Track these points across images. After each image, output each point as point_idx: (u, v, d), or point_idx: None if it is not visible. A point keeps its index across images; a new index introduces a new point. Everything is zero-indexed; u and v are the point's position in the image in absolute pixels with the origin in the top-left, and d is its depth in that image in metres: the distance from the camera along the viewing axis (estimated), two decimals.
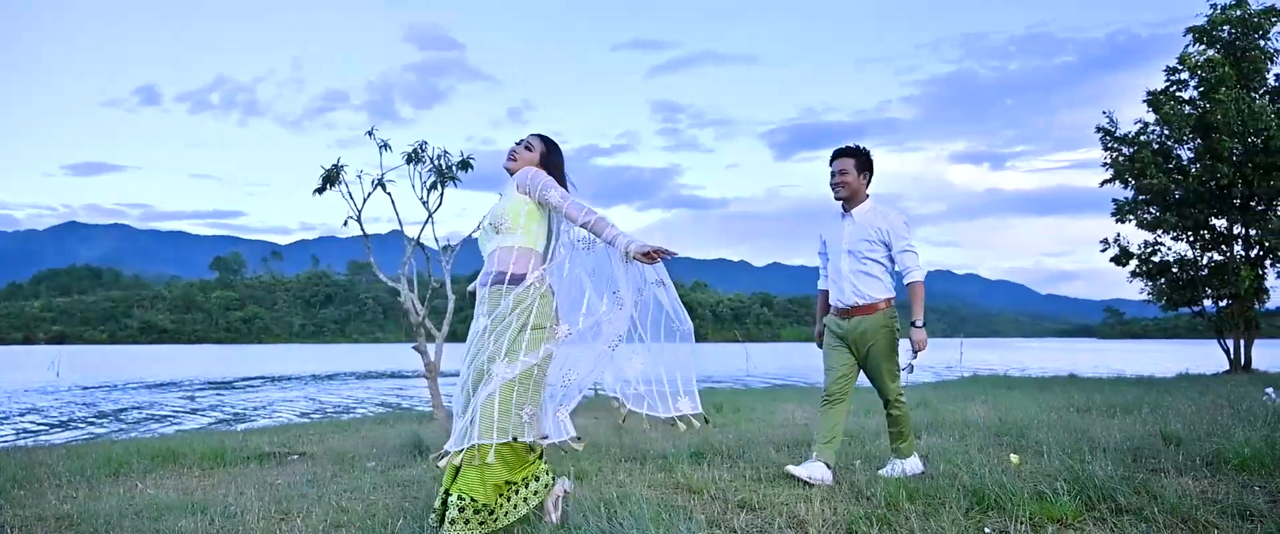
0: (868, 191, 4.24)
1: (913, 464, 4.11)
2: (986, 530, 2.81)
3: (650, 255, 2.95)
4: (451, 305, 11.33)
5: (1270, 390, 8.41)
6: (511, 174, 3.21)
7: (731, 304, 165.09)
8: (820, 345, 4.46)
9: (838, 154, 4.25)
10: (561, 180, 3.21)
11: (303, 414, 14.37)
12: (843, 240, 4.19)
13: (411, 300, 11.14)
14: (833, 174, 4.22)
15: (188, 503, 3.92)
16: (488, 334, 2.99)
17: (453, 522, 2.81)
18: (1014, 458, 4.06)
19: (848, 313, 4.14)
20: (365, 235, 11.55)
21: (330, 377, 28.19)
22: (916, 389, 12.41)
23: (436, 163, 11.04)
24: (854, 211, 4.19)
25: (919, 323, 4.02)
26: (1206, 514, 2.84)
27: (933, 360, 37.50)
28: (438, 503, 2.93)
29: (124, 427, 12.32)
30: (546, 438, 3.09)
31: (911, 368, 4.07)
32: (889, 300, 4.13)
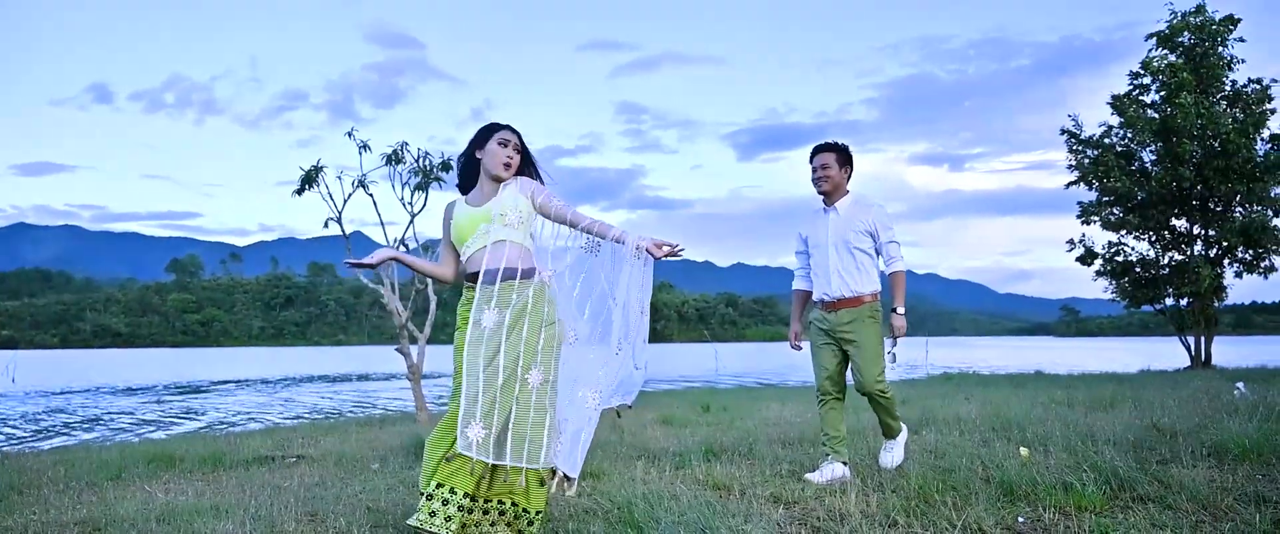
0: (848, 186, 4.29)
1: (837, 471, 4.05)
2: (1021, 519, 2.91)
3: (660, 246, 2.96)
4: (433, 307, 11.28)
5: (1240, 385, 8.73)
6: (507, 170, 3.10)
7: (697, 304, 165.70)
8: (795, 345, 4.51)
9: (819, 149, 4.30)
10: (538, 176, 3.19)
11: (284, 417, 14.19)
12: (829, 235, 4.21)
13: (394, 303, 11.07)
14: (815, 169, 4.26)
15: (209, 506, 3.89)
16: (505, 329, 2.90)
17: (449, 518, 2.79)
18: (1023, 452, 4.19)
19: (834, 306, 4.17)
20: (345, 236, 11.47)
21: (303, 379, 27.82)
22: (893, 386, 12.64)
23: (421, 163, 11.00)
24: (837, 206, 4.23)
25: (900, 310, 4.10)
26: (1226, 501, 2.98)
27: (900, 358, 37.84)
28: (433, 494, 2.84)
29: (106, 433, 12.08)
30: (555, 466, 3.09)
31: (893, 356, 4.14)
32: (875, 293, 4.17)
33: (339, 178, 11.35)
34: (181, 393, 21.72)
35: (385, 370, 33.61)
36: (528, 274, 2.97)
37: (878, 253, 4.20)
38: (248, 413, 15.58)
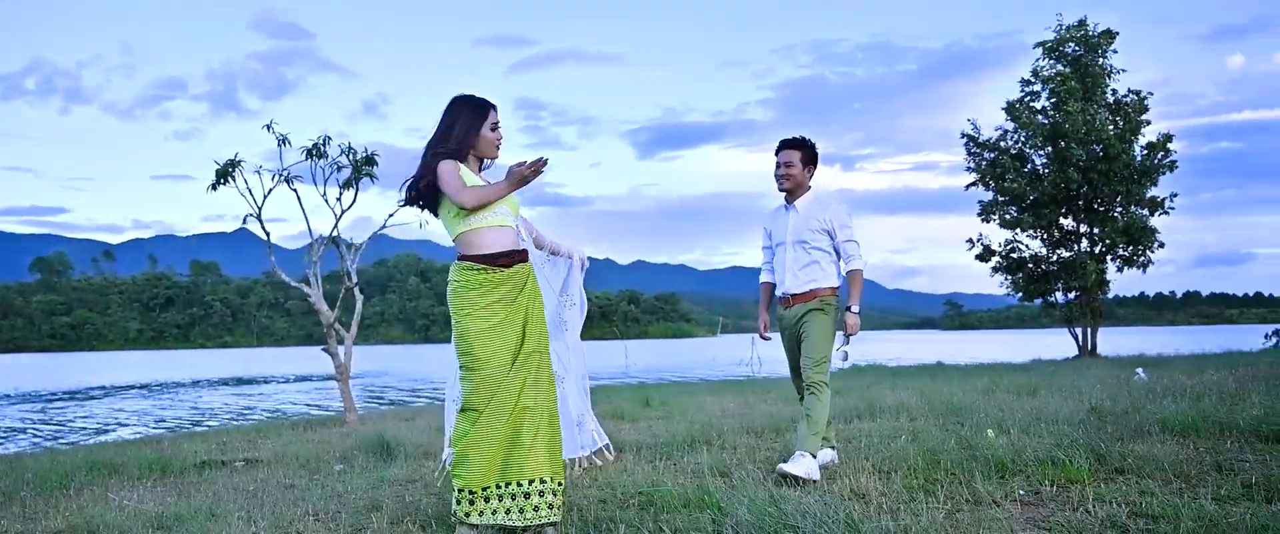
0: (810, 183, 4.25)
1: (825, 456, 4.03)
2: (1021, 492, 3.17)
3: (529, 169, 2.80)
4: (360, 306, 11.00)
5: (1140, 371, 9.51)
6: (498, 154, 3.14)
7: (599, 302, 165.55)
8: (764, 335, 4.47)
9: (784, 145, 4.22)
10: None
11: (193, 422, 13.54)
12: (788, 232, 4.19)
13: (320, 302, 10.76)
14: (778, 165, 4.20)
15: (202, 510, 3.77)
16: (530, 312, 3.01)
17: (552, 506, 2.91)
18: (990, 433, 4.50)
19: (790, 302, 4.18)
20: (267, 234, 11.06)
21: (202, 384, 26.48)
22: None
23: (353, 158, 10.69)
24: (797, 203, 4.20)
25: (854, 308, 4.07)
26: (1193, 471, 3.32)
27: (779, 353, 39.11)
28: (535, 492, 2.90)
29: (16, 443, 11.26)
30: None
31: (845, 354, 4.12)
32: (832, 289, 4.14)
33: (257, 172, 10.94)
34: (68, 399, 20.35)
35: (281, 373, 32.42)
36: (525, 257, 3.07)
37: (837, 251, 4.16)
38: (144, 415, 14.79)
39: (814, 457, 3.80)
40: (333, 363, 10.62)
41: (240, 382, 26.92)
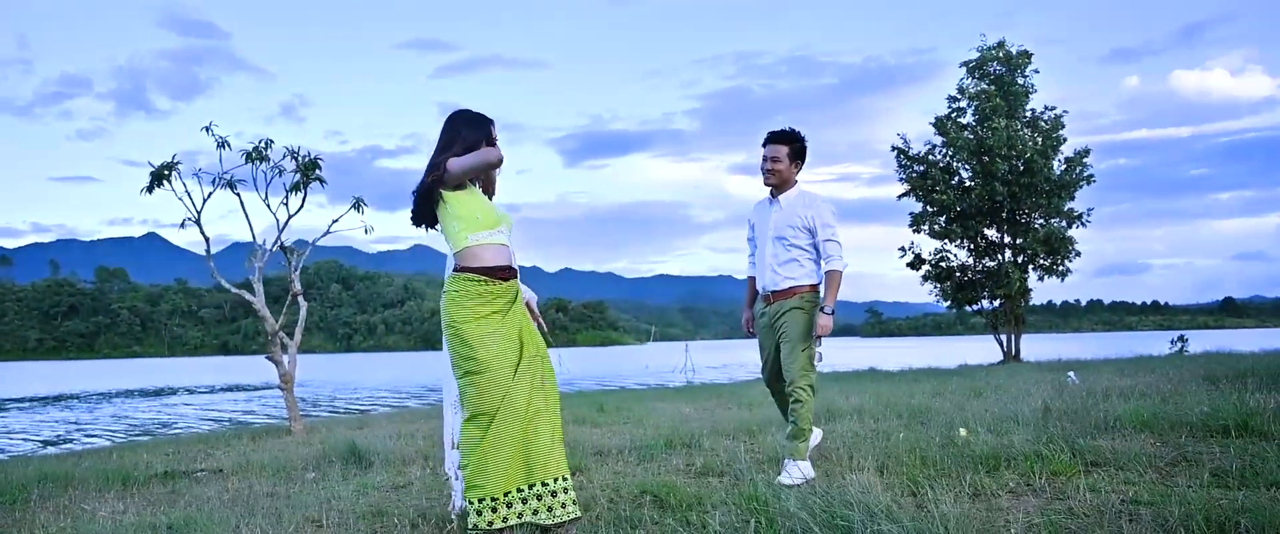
0: (797, 178, 4.19)
1: (807, 468, 3.93)
2: (1010, 484, 3.39)
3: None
4: (303, 313, 10.78)
5: (1072, 374, 10.03)
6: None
7: None
8: (749, 332, 4.41)
9: (771, 138, 4.14)
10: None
11: (127, 433, 12.98)
12: (770, 226, 4.14)
13: (264, 308, 10.51)
14: (764, 160, 4.12)
15: (181, 521, 3.68)
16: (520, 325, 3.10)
17: (569, 503, 3.01)
18: (963, 431, 4.74)
19: (769, 298, 4.14)
20: (206, 239, 10.74)
21: (117, 395, 25.27)
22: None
23: (302, 162, 10.47)
24: (781, 199, 4.14)
25: (827, 309, 3.99)
26: (1161, 463, 3.59)
27: (747, 360, 39.92)
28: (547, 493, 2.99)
29: None
30: None
31: (820, 355, 4.05)
32: (812, 286, 4.08)
33: (196, 175, 10.63)
34: None
35: (204, 383, 31.22)
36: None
37: (817, 250, 4.09)
38: (74, 426, 14.11)
39: (805, 460, 3.89)
40: (277, 371, 10.37)
41: (159, 392, 25.84)
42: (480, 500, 2.92)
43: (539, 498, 2.96)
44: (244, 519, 3.70)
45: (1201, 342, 20.72)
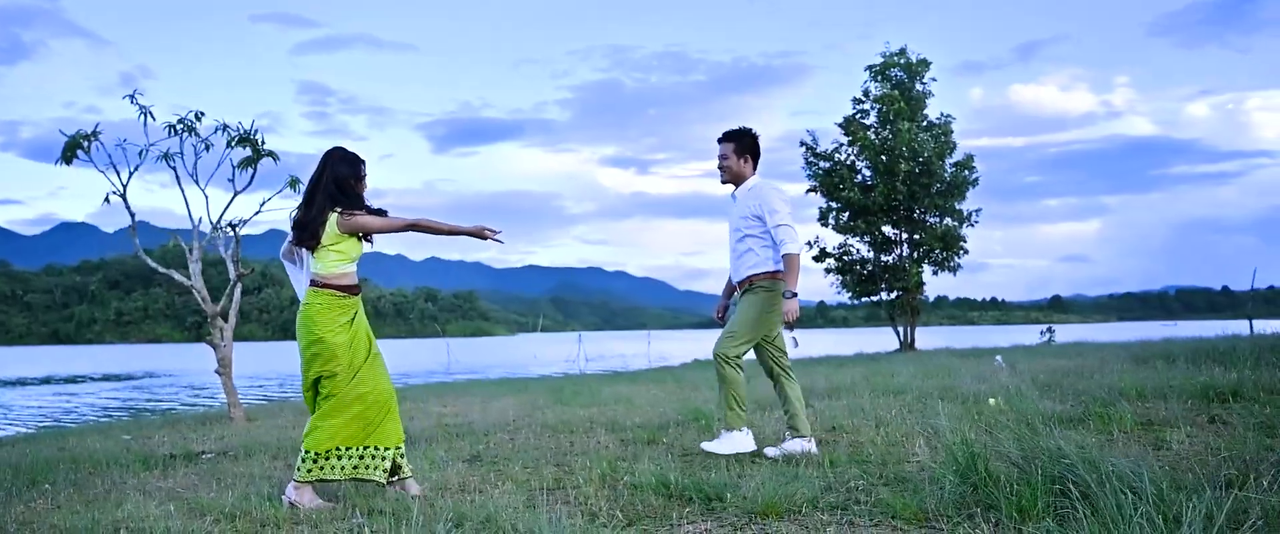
0: (753, 173, 4.33)
1: (742, 440, 4.10)
2: (1114, 434, 3.82)
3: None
4: (238, 295, 10.31)
5: (999, 359, 10.91)
6: None
7: (393, 299, 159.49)
8: (717, 320, 4.54)
9: (721, 138, 4.35)
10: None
11: (42, 424, 11.93)
12: (731, 220, 4.34)
13: (203, 290, 10.01)
14: (718, 158, 4.35)
15: (245, 499, 3.60)
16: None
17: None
18: (992, 401, 5.19)
19: (733, 289, 4.37)
20: (132, 215, 10.13)
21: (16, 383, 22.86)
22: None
23: (251, 137, 9.96)
24: (737, 193, 4.32)
25: (788, 293, 4.07)
26: (1192, 420, 4.12)
27: (625, 350, 40.37)
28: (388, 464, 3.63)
29: None
30: None
31: (794, 340, 4.21)
32: (769, 274, 4.18)
33: (120, 146, 9.97)
34: None
35: (83, 370, 28.73)
36: None
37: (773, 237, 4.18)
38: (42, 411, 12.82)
39: (735, 437, 4.09)
40: (216, 355, 9.88)
41: (22, 383, 23.63)
42: (308, 452, 3.49)
43: (373, 457, 3.57)
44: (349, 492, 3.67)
45: (1063, 334, 22.91)
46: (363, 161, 3.71)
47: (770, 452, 4.12)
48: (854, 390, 6.97)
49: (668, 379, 12.04)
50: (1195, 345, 8.31)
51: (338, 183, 3.58)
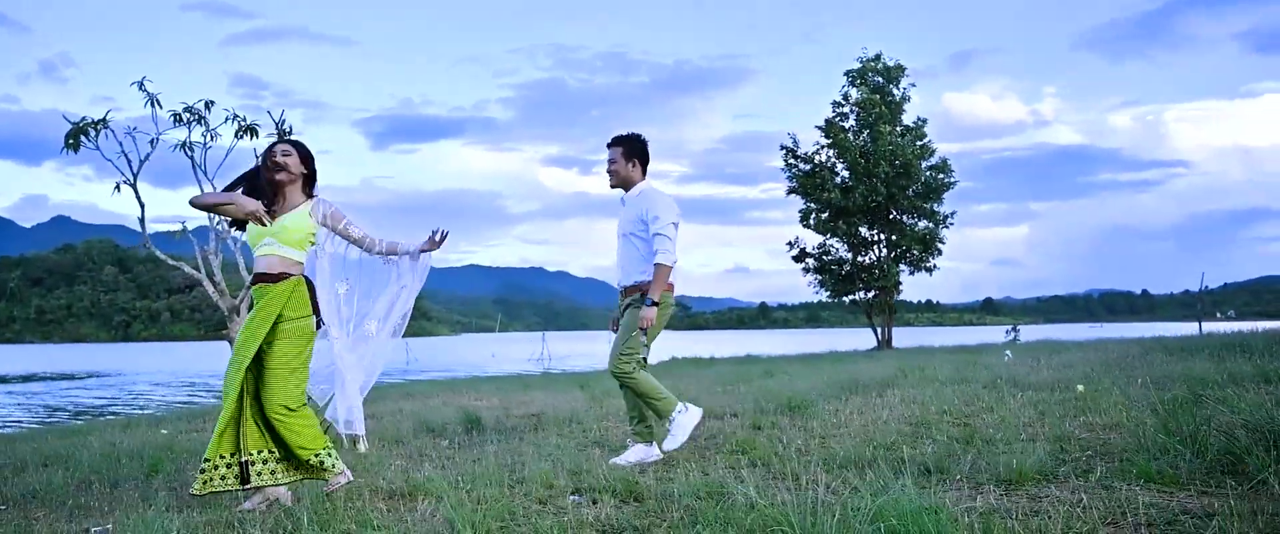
0: (642, 177, 4.32)
1: (687, 417, 4.11)
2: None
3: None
4: (249, 294, 10.13)
5: (1008, 354, 11.27)
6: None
7: None
8: (613, 327, 4.45)
9: (610, 143, 4.33)
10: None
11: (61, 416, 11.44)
12: (620, 225, 4.32)
13: (222, 286, 9.85)
14: (607, 162, 4.32)
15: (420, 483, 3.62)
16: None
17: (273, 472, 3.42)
18: (1079, 388, 5.40)
19: (622, 293, 4.34)
20: (141, 206, 9.91)
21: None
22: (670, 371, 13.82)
23: (280, 125, 9.78)
24: (627, 197, 4.30)
25: (649, 301, 4.05)
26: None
27: (568, 350, 39.92)
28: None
29: None
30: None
31: (645, 348, 4.13)
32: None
33: (130, 133, 9.74)
34: None
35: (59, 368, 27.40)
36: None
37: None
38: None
39: (679, 419, 4.05)
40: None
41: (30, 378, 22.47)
42: (207, 459, 3.26)
43: (245, 465, 3.29)
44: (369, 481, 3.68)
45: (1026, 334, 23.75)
46: (273, 144, 3.62)
47: (618, 460, 4.03)
48: (895, 384, 7.16)
49: (666, 379, 12.13)
50: (1196, 345, 8.75)
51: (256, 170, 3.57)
